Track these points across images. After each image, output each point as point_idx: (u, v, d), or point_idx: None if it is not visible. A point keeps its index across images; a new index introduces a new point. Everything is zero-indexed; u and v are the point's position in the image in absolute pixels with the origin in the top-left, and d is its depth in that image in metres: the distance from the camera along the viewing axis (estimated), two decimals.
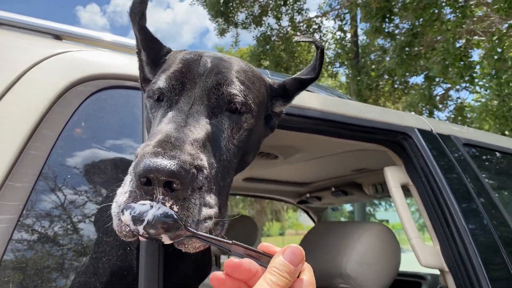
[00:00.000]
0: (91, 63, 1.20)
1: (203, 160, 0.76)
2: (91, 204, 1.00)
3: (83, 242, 0.95)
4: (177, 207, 0.70)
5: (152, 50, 1.06)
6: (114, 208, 0.76)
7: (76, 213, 0.98)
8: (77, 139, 1.06)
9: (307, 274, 0.66)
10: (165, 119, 0.85)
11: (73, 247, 0.94)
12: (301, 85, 1.12)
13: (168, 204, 0.69)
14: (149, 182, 0.69)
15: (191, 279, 1.38)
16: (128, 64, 1.27)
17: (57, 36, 1.40)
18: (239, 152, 0.94)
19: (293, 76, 1.14)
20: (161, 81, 0.92)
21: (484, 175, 1.84)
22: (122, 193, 0.74)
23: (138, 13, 0.97)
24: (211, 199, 0.77)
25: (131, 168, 0.76)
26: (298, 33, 13.22)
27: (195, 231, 0.68)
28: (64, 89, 1.09)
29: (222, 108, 0.90)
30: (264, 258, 0.66)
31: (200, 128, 0.82)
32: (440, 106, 12.22)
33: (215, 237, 0.68)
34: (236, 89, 0.90)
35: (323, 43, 13.46)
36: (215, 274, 0.66)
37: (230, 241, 0.66)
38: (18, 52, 1.14)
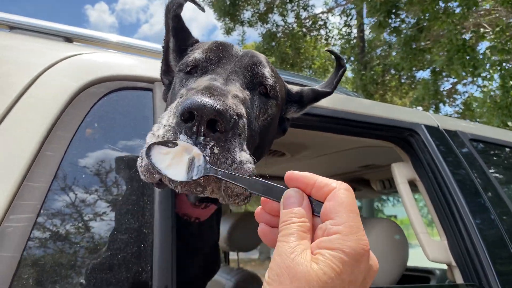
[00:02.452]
0: (103, 65, 1.23)
1: (243, 110, 0.78)
2: (105, 202, 1.03)
3: (98, 239, 0.98)
4: (218, 148, 0.70)
5: (181, 38, 1.09)
6: (149, 138, 0.75)
7: (90, 211, 1.00)
8: (91, 140, 1.09)
9: (333, 199, 0.57)
10: (204, 78, 0.87)
11: (89, 244, 0.97)
12: (316, 96, 1.16)
13: (210, 145, 0.69)
14: (191, 119, 0.68)
15: (199, 277, 1.41)
16: (138, 66, 1.30)
17: (68, 38, 1.43)
18: (258, 137, 0.94)
19: (311, 87, 1.17)
20: (197, 53, 0.94)
21: (491, 170, 1.84)
22: (160, 127, 0.74)
23: (176, 3, 1.02)
24: (247, 147, 0.78)
25: (172, 106, 0.75)
26: (304, 29, 13.19)
27: (216, 170, 0.66)
28: (77, 91, 1.12)
29: (255, 86, 0.93)
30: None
31: (239, 90, 0.84)
32: (447, 100, 12.16)
33: (235, 174, 0.66)
34: (268, 72, 0.94)
35: (329, 39, 13.43)
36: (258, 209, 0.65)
37: (250, 177, 0.64)
38: (31, 55, 1.17)
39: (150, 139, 0.74)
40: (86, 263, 0.95)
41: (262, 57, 0.99)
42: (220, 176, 0.65)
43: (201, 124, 0.68)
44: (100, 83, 1.18)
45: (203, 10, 1.12)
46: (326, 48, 1.24)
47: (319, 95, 1.16)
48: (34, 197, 0.94)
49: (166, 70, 1.15)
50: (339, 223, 0.53)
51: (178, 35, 1.09)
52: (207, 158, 0.67)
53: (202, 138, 0.69)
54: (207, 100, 0.67)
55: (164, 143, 0.68)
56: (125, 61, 1.31)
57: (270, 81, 0.94)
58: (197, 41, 1.11)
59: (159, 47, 1.63)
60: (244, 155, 0.74)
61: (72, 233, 0.96)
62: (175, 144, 0.68)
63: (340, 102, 1.64)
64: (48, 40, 1.33)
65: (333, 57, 1.16)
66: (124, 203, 1.05)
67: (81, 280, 0.92)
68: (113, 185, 1.07)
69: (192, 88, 0.77)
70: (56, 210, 0.96)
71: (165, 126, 0.72)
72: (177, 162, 0.67)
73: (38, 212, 0.93)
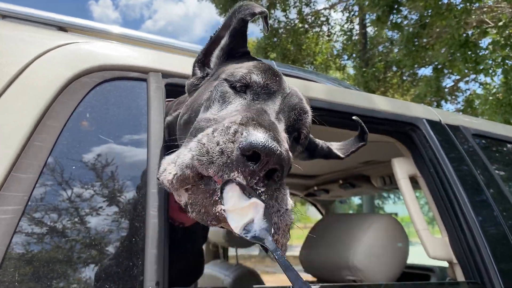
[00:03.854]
0: (96, 54, 1.19)
1: (290, 156, 0.73)
2: (96, 194, 1.00)
3: (88, 233, 0.95)
4: (268, 197, 0.67)
5: (236, 41, 1.06)
6: (193, 148, 0.70)
7: (80, 204, 0.97)
8: (82, 131, 1.06)
9: None
10: (255, 106, 0.82)
11: (78, 238, 0.94)
12: (329, 155, 1.18)
13: (266, 193, 0.66)
14: (254, 158, 0.64)
15: (186, 277, 1.39)
16: (133, 55, 1.26)
17: (61, 28, 1.40)
18: None
19: (328, 144, 1.18)
20: (255, 74, 0.89)
21: (493, 166, 1.81)
22: (215, 147, 0.67)
23: (250, 10, 0.99)
24: (287, 192, 0.75)
25: (229, 128, 0.69)
26: (306, 26, 13.14)
27: (276, 249, 0.65)
28: (68, 80, 1.09)
29: (294, 130, 0.92)
30: None
31: (284, 132, 0.81)
32: (449, 98, 12.10)
33: (289, 263, 0.64)
34: (309, 122, 0.92)
35: (331, 35, 13.38)
36: None
37: (302, 280, 0.62)
38: (21, 44, 1.13)
39: (195, 149, 0.69)
40: (76, 257, 0.92)
41: (306, 101, 0.97)
42: (275, 256, 0.63)
43: (263, 168, 0.64)
44: (92, 72, 1.15)
45: (267, 31, 1.09)
46: (354, 117, 1.20)
47: (329, 155, 1.18)
48: (22, 189, 0.91)
49: (203, 61, 1.11)
50: None
51: (235, 38, 1.06)
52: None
53: (255, 181, 0.65)
54: (277, 146, 0.63)
55: (243, 187, 0.65)
56: (119, 51, 1.27)
57: (306, 130, 0.93)
58: (248, 53, 1.08)
59: (155, 37, 1.61)
60: (289, 203, 0.72)
61: (61, 226, 0.93)
62: (251, 195, 0.65)
63: (339, 95, 1.61)
64: (40, 28, 1.30)
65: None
66: (116, 196, 1.02)
67: (70, 274, 0.90)
68: (105, 178, 1.04)
69: (252, 118, 0.71)
70: (45, 202, 0.93)
71: (221, 151, 0.66)
72: (241, 211, 0.65)
73: (26, 204, 0.90)
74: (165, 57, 1.33)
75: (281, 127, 0.82)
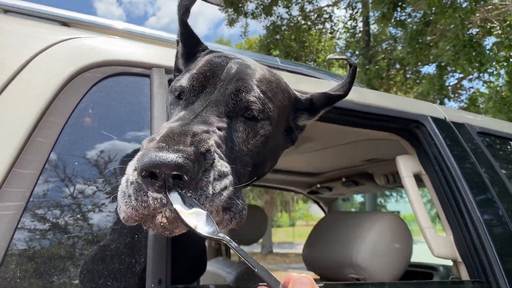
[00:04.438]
0: (99, 49, 1.19)
1: (208, 140, 0.76)
2: (98, 190, 0.99)
3: (90, 229, 0.94)
4: (190, 191, 0.70)
5: (188, 45, 1.06)
6: (120, 196, 0.75)
7: (83, 199, 0.97)
8: (84, 126, 1.05)
9: None
10: (175, 117, 0.86)
11: (80, 234, 0.93)
12: (329, 101, 1.11)
13: (183, 191, 0.69)
14: (153, 176, 0.68)
15: (188, 275, 1.38)
16: (136, 51, 1.25)
17: (64, 23, 1.39)
18: (253, 157, 0.94)
19: (322, 91, 1.12)
20: (184, 80, 0.93)
21: (499, 164, 1.79)
22: (128, 184, 0.73)
23: (183, 7, 0.98)
24: (223, 168, 0.77)
25: (135, 161, 0.74)
26: (309, 23, 13.09)
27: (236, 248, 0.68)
28: (71, 75, 1.08)
29: (237, 113, 0.91)
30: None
31: (206, 124, 0.82)
32: (452, 96, 12.06)
33: (245, 252, 0.68)
34: (254, 96, 0.91)
35: (334, 32, 13.34)
36: None
37: (260, 265, 0.66)
38: (24, 38, 1.12)
39: (120, 196, 0.74)
40: (78, 253, 0.91)
41: (250, 77, 0.94)
42: (232, 246, 0.68)
43: (166, 178, 0.68)
44: (95, 67, 1.14)
45: (220, 5, 1.07)
46: (328, 57, 1.17)
47: (331, 99, 1.11)
48: (23, 185, 0.90)
49: (177, 69, 1.13)
50: None
51: (186, 41, 1.06)
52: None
53: (172, 188, 0.69)
54: (165, 157, 0.66)
55: (183, 198, 0.70)
56: (122, 46, 1.26)
57: (256, 105, 0.90)
58: (205, 49, 1.08)
59: (158, 33, 1.60)
60: (219, 185, 0.74)
61: (63, 222, 0.92)
62: (192, 205, 0.70)
63: None
64: (43, 23, 1.29)
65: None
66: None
67: (72, 271, 0.89)
68: (107, 174, 1.03)
69: (154, 137, 0.75)
70: (46, 198, 0.92)
71: (132, 183, 0.71)
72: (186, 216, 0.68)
73: (27, 200, 0.89)
74: (168, 53, 1.32)
75: (202, 122, 0.82)
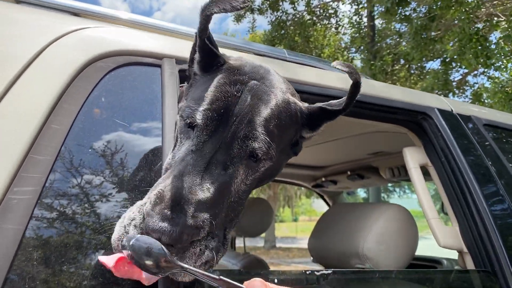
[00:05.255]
0: (111, 39, 1.20)
1: (206, 219, 0.82)
2: (109, 177, 1.01)
3: (103, 215, 0.96)
4: (176, 257, 0.78)
5: (206, 57, 1.03)
6: (119, 228, 0.83)
7: (95, 187, 0.98)
8: (97, 114, 1.06)
9: None
10: (185, 161, 0.88)
11: (94, 220, 0.95)
12: (327, 115, 1.07)
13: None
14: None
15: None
16: (147, 41, 1.27)
17: (75, 13, 1.40)
18: (251, 187, 0.97)
19: (319, 105, 1.08)
20: (198, 115, 0.91)
21: (505, 157, 1.80)
22: (132, 224, 0.82)
23: (203, 28, 0.94)
24: (212, 242, 0.84)
25: (146, 205, 0.82)
26: (314, 18, 13.05)
27: (184, 265, 0.77)
28: (84, 64, 1.10)
29: (242, 158, 0.92)
30: None
31: (213, 185, 0.86)
32: (457, 91, 12.02)
33: (204, 272, 0.77)
34: (261, 142, 0.91)
35: (339, 28, 13.28)
36: None
37: (217, 277, 0.75)
38: (38, 28, 1.14)
39: (118, 227, 0.84)
40: (91, 238, 0.93)
41: (261, 115, 0.93)
42: (191, 272, 0.77)
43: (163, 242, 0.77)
44: (108, 57, 1.16)
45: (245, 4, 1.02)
46: (332, 64, 1.11)
47: (328, 113, 1.06)
48: (39, 170, 0.92)
49: (192, 69, 1.10)
50: None
51: (203, 53, 1.02)
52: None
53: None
54: (164, 228, 0.76)
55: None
56: (134, 36, 1.28)
57: (261, 151, 0.91)
58: (223, 64, 1.03)
59: (167, 24, 1.61)
60: (203, 258, 0.82)
61: (77, 208, 0.94)
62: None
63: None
64: (54, 13, 1.30)
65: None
66: (130, 180, 1.03)
67: (86, 256, 0.91)
68: (119, 161, 1.04)
69: (161, 196, 0.82)
70: (61, 184, 0.94)
71: (136, 227, 0.82)
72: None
73: (43, 186, 0.91)
74: (179, 43, 1.33)
75: (212, 173, 0.87)
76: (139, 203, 0.86)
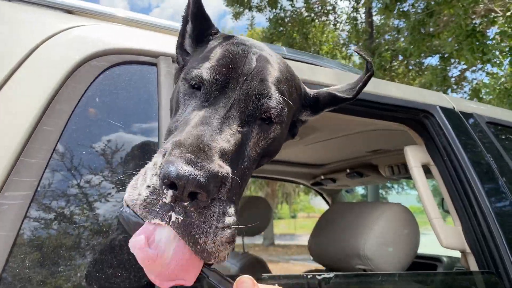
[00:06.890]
0: (105, 37, 1.17)
1: (229, 173, 0.74)
2: (105, 179, 0.98)
3: (97, 219, 0.93)
4: (196, 214, 0.69)
5: (199, 26, 1.02)
6: (131, 192, 0.75)
7: (90, 189, 0.95)
8: (91, 115, 1.03)
9: None
10: (200, 115, 0.83)
11: (88, 224, 0.92)
12: (334, 101, 1.07)
13: (190, 210, 0.69)
14: (174, 186, 0.67)
15: None
16: (143, 39, 1.24)
17: (68, 11, 1.37)
18: (259, 158, 0.93)
19: (329, 90, 1.08)
20: (204, 71, 0.88)
21: (508, 154, 1.78)
22: (144, 185, 0.72)
23: None
24: (230, 208, 0.76)
25: (158, 161, 0.74)
26: (313, 14, 13.01)
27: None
28: (77, 63, 1.06)
29: (256, 117, 0.88)
30: None
31: (232, 138, 0.81)
32: (455, 87, 12.01)
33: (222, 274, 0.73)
34: (275, 102, 0.88)
35: (337, 24, 13.25)
36: None
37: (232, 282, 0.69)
38: (29, 26, 1.11)
39: (131, 193, 0.74)
40: (85, 243, 0.90)
41: (272, 77, 0.91)
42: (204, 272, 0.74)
43: (183, 194, 0.67)
44: (102, 56, 1.12)
45: None
46: (353, 49, 1.12)
47: (337, 100, 1.07)
48: (31, 174, 0.89)
49: (181, 53, 1.09)
50: None
51: (197, 21, 1.02)
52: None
53: (184, 204, 0.69)
54: (191, 172, 0.66)
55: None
56: (129, 34, 1.24)
57: (275, 111, 0.89)
58: (216, 33, 1.03)
59: (163, 22, 1.57)
60: (223, 220, 0.73)
61: (71, 212, 0.91)
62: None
63: (349, 80, 1.57)
64: (47, 10, 1.27)
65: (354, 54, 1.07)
66: (126, 182, 1.00)
67: (80, 261, 0.88)
68: (114, 163, 1.01)
69: (180, 139, 0.74)
70: (54, 187, 0.91)
71: (149, 187, 0.72)
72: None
73: (35, 190, 0.88)
74: (175, 41, 1.30)
75: (230, 126, 0.82)
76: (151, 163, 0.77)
